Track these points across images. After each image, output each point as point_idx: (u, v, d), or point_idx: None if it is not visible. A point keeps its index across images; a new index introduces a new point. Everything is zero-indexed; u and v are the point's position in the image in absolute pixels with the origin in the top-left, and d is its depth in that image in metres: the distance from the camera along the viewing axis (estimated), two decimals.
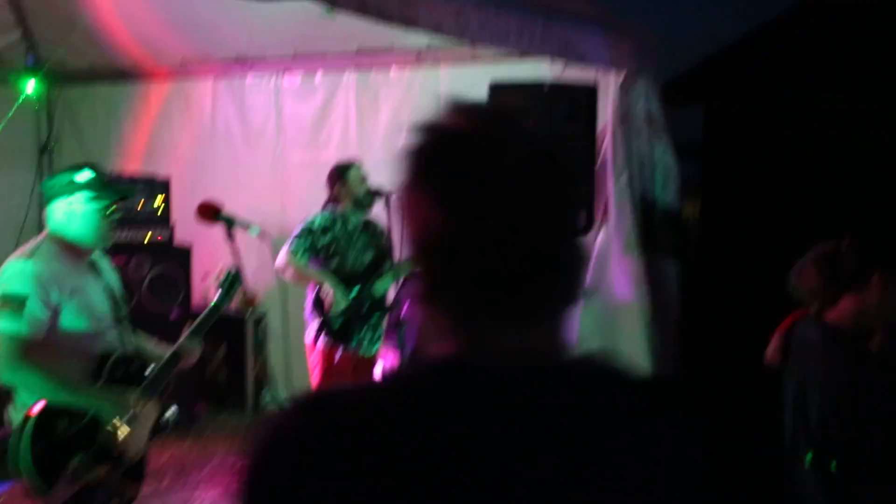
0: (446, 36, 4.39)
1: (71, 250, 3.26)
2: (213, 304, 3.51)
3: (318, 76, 6.60)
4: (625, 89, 5.10)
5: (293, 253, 5.17)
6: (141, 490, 3.35)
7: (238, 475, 1.15)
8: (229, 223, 3.28)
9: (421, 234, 1.15)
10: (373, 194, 5.25)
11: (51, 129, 7.87)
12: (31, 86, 7.49)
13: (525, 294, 1.09)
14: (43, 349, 3.09)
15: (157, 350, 3.52)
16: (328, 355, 5.33)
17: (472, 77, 5.82)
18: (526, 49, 4.72)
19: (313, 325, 5.33)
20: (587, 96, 5.13)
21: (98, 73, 7.51)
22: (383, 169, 5.67)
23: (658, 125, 5.17)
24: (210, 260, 6.94)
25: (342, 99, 6.52)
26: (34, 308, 3.05)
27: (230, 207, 6.91)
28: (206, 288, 6.96)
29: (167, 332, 4.04)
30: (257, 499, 1.15)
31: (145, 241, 6.70)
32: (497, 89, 5.08)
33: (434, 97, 6.11)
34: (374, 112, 6.39)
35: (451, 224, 1.11)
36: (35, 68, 7.51)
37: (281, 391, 6.83)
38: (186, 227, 7.01)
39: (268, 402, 6.91)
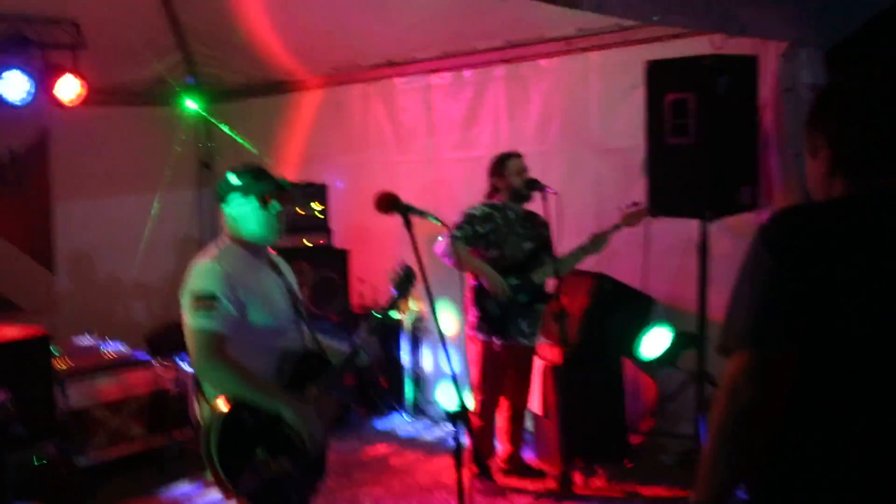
0: (609, 14, 4.24)
1: (250, 249, 3.34)
2: (390, 300, 3.48)
3: (467, 73, 6.56)
4: (787, 59, 4.83)
5: (456, 239, 5.14)
6: (322, 484, 3.35)
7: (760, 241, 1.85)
8: (407, 212, 3.24)
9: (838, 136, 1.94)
10: (531, 185, 5.17)
11: (210, 145, 8.15)
12: (191, 105, 7.80)
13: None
14: (232, 346, 3.14)
15: (334, 347, 3.53)
16: (488, 346, 5.26)
17: (622, 61, 5.67)
18: (688, 23, 4.53)
19: (473, 316, 5.27)
20: (748, 68, 4.88)
21: (253, 87, 7.73)
22: (536, 160, 5.59)
23: None
24: (366, 263, 7.02)
25: (492, 93, 6.45)
26: (223, 305, 3.13)
27: (383, 216, 7.02)
28: (362, 291, 7.05)
29: (329, 336, 4.07)
30: (789, 250, 1.81)
31: (306, 246, 6.83)
32: (655, 66, 4.91)
33: (584, 84, 6.00)
34: (524, 104, 6.29)
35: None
36: (195, 88, 7.82)
37: (436, 391, 6.82)
38: (344, 232, 7.12)
39: (426, 403, 6.91)
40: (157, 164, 7.74)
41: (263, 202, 3.29)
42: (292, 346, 3.35)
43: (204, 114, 7.92)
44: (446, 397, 6.80)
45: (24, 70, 6.20)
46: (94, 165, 7.37)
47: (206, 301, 3.11)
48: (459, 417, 3.21)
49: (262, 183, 3.32)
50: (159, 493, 5.55)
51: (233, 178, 3.33)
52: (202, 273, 3.20)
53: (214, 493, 5.47)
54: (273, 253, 3.51)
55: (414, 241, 3.19)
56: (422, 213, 3.30)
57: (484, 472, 5.34)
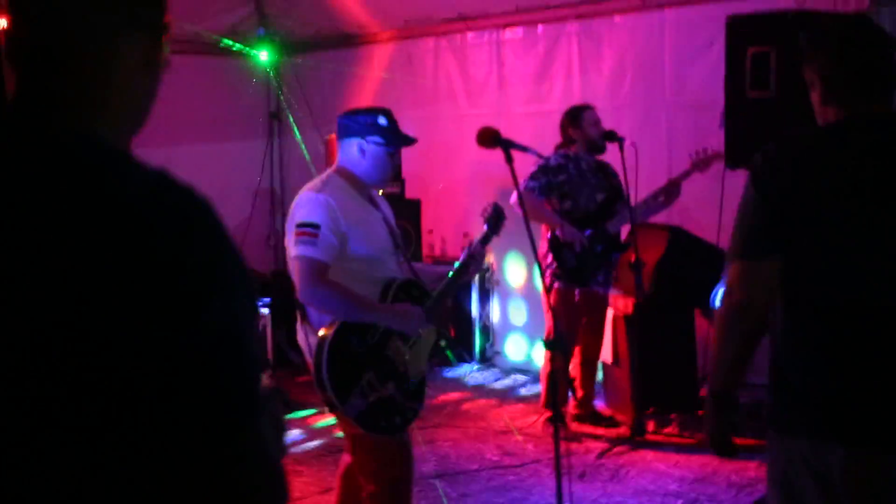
0: None
1: (356, 184, 3.43)
2: (482, 236, 3.59)
3: (540, 28, 6.65)
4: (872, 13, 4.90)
5: (530, 190, 5.25)
6: (421, 410, 3.46)
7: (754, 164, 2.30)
8: (507, 146, 3.35)
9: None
10: (607, 136, 5.27)
11: (280, 97, 8.30)
12: (262, 56, 7.96)
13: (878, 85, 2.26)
14: (336, 274, 3.24)
15: (433, 275, 3.66)
16: (564, 296, 5.39)
17: (697, 18, 5.74)
18: None
19: (549, 266, 5.40)
20: (834, 23, 4.94)
21: (324, 40, 7.85)
22: (607, 116, 5.69)
23: None
24: (435, 215, 7.18)
25: (564, 49, 6.54)
26: (327, 234, 3.21)
27: (456, 163, 7.13)
28: (432, 242, 7.21)
29: None
30: (764, 177, 2.26)
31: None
32: (736, 21, 4.98)
33: (659, 40, 6.08)
34: (596, 61, 6.38)
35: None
36: (266, 39, 7.96)
37: (505, 341, 6.99)
38: (415, 183, 7.26)
39: (494, 353, 7.09)
40: (229, 115, 7.92)
41: (393, 153, 3.41)
42: (392, 277, 3.43)
43: (270, 66, 8.07)
44: (515, 348, 6.98)
45: None
46: (167, 114, 7.44)
47: (309, 229, 3.20)
48: (556, 346, 3.33)
49: (402, 137, 3.43)
50: None
51: (381, 120, 3.40)
52: (306, 203, 3.29)
53: (290, 430, 5.75)
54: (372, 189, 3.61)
55: (514, 175, 3.30)
56: (523, 148, 3.39)
57: (557, 418, 5.50)
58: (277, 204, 8.47)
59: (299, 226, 3.24)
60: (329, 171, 3.48)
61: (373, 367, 3.23)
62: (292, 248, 3.25)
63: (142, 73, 1.24)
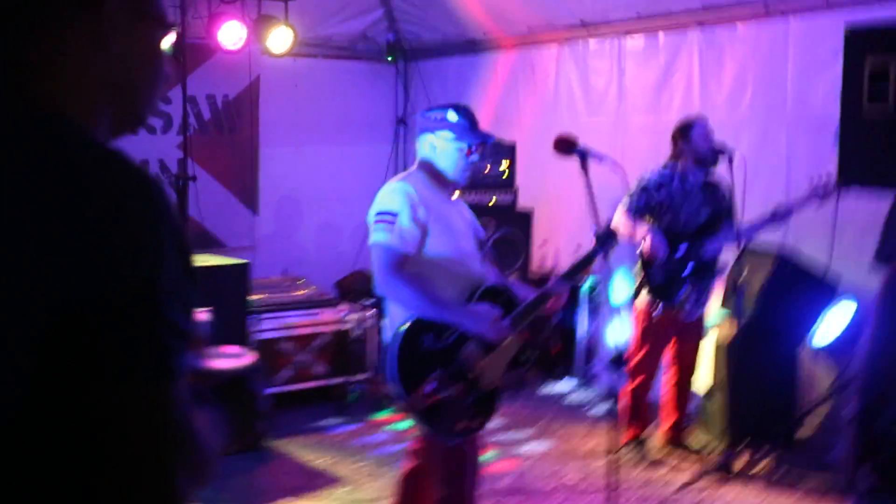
0: None
1: (437, 180, 3.37)
2: (588, 252, 3.48)
3: (661, 36, 6.45)
4: None
5: (628, 211, 5.12)
6: (487, 422, 3.36)
7: None
8: (583, 156, 3.27)
9: None
10: (717, 152, 5.03)
11: (407, 102, 8.40)
12: (390, 61, 8.09)
13: None
14: (415, 269, 3.19)
15: (521, 289, 3.53)
16: (647, 313, 5.21)
17: (823, 26, 5.41)
18: None
19: (637, 283, 5.24)
20: None
21: (450, 46, 7.89)
22: (727, 129, 5.44)
23: None
24: (549, 227, 7.07)
25: (685, 59, 6.31)
26: (406, 223, 3.15)
27: (571, 173, 7.03)
28: (544, 253, 7.11)
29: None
30: None
31: (490, 204, 6.95)
32: (854, 33, 4.68)
33: (782, 51, 5.77)
34: (717, 70, 6.11)
35: None
36: (394, 44, 8.08)
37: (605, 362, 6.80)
38: (529, 192, 7.19)
39: (596, 372, 6.91)
40: (356, 118, 8.09)
41: (468, 151, 3.34)
42: (475, 280, 3.35)
43: (398, 71, 8.17)
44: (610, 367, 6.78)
45: (239, 20, 6.59)
46: (297, 115, 7.77)
47: (389, 218, 3.16)
48: (618, 364, 3.21)
49: (475, 133, 3.36)
50: (331, 430, 5.88)
51: (452, 116, 3.36)
52: (388, 192, 3.26)
53: (381, 434, 5.81)
54: (454, 191, 3.51)
55: (589, 184, 3.21)
56: (600, 158, 3.29)
57: (637, 442, 5.32)
58: None
59: (377, 214, 3.22)
60: (412, 166, 3.47)
61: (442, 367, 3.15)
62: (371, 236, 3.21)
63: (97, 53, 1.23)
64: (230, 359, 5.14)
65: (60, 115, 1.18)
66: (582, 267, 3.47)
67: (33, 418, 1.07)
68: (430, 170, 3.37)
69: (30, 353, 1.05)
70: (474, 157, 3.37)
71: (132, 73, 1.27)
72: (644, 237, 5.11)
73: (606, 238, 3.43)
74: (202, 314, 5.30)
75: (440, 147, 3.34)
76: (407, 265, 3.15)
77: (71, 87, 1.21)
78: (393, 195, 3.22)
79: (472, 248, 3.40)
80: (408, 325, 3.14)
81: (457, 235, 3.33)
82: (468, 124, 3.36)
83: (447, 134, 3.33)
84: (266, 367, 5.87)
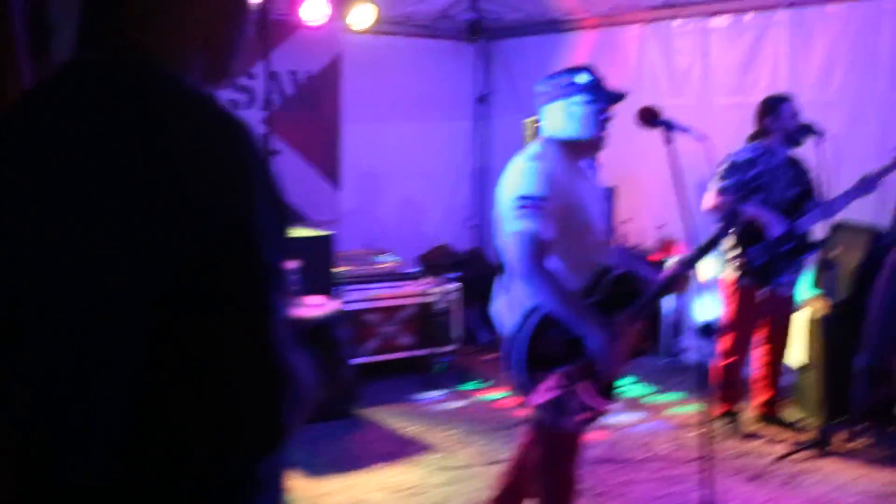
0: None
1: (568, 154, 3.19)
2: (714, 234, 3.46)
3: (748, 16, 6.45)
4: None
5: (722, 191, 5.14)
6: (608, 409, 3.33)
7: None
8: (668, 127, 3.26)
9: None
10: (805, 129, 5.06)
11: (487, 81, 8.47)
12: (471, 40, 8.16)
13: None
14: (552, 252, 3.09)
15: (645, 272, 3.44)
16: (745, 293, 5.23)
17: None
18: None
19: (733, 262, 5.26)
20: None
21: (532, 25, 7.93)
22: (816, 109, 5.45)
23: None
24: (630, 204, 7.12)
25: (772, 39, 6.30)
26: (548, 206, 3.01)
27: (653, 152, 7.05)
28: (626, 231, 7.16)
29: None
30: None
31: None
32: None
33: (874, 32, 5.76)
34: (805, 51, 6.11)
35: None
36: (476, 23, 8.15)
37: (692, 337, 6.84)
38: (611, 171, 7.18)
39: (682, 350, 6.96)
40: (437, 96, 8.18)
41: (602, 110, 3.18)
42: (607, 263, 3.25)
43: (478, 50, 8.24)
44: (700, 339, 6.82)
45: None
46: (377, 92, 7.86)
47: (529, 202, 3.01)
48: (708, 335, 3.18)
49: (607, 91, 3.20)
50: (419, 400, 6.04)
51: (583, 77, 3.19)
52: (523, 174, 3.09)
53: (469, 403, 5.94)
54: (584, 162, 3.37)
55: (674, 157, 3.17)
56: (684, 129, 3.23)
57: (730, 416, 5.39)
58: (479, 186, 8.67)
59: (520, 198, 3.04)
60: (539, 141, 3.26)
61: (569, 361, 3.10)
62: (511, 223, 3.05)
63: (194, 3, 1.29)
64: (314, 308, 5.23)
65: (156, 64, 1.24)
66: (707, 249, 3.40)
67: (147, 364, 1.13)
68: (559, 144, 3.19)
69: (144, 304, 1.11)
70: (608, 120, 3.21)
71: (223, 25, 1.33)
72: (750, 215, 5.08)
73: (732, 218, 3.41)
74: (291, 264, 5.44)
75: (575, 112, 3.15)
76: (546, 250, 3.03)
77: (168, 38, 1.27)
78: (529, 177, 3.06)
79: (602, 229, 3.26)
80: (539, 317, 3.08)
81: (589, 214, 3.18)
82: (600, 82, 3.21)
83: (581, 97, 3.15)
84: (353, 336, 6.02)
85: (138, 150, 1.12)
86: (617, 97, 3.22)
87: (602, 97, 3.18)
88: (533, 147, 3.23)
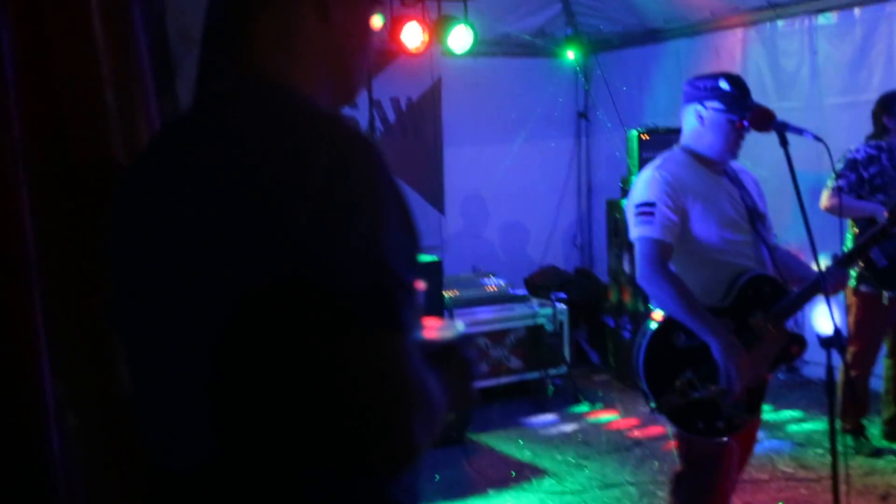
0: None
1: (700, 158, 3.21)
2: (867, 237, 3.35)
3: (857, 11, 6.18)
4: None
5: (839, 189, 4.92)
6: (753, 421, 3.24)
7: None
8: (782, 129, 3.14)
9: None
10: None
11: (587, 96, 8.38)
12: (570, 55, 8.08)
13: None
14: (677, 256, 3.12)
15: (797, 272, 3.32)
16: (870, 300, 4.98)
17: None
18: None
19: (856, 267, 4.99)
20: None
21: (630, 37, 7.81)
22: None
23: None
24: None
25: (885, 33, 6.01)
26: (664, 211, 3.07)
27: (762, 159, 6.85)
28: None
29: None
30: None
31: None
32: None
33: None
34: None
35: None
36: (574, 39, 8.07)
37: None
38: None
39: (803, 362, 6.67)
40: (538, 114, 8.12)
41: (739, 124, 3.13)
42: (744, 265, 3.16)
43: (578, 65, 8.16)
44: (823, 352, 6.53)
45: (420, 21, 6.69)
46: (478, 114, 7.87)
47: (648, 209, 3.08)
48: (833, 344, 3.06)
49: (745, 102, 3.14)
50: (531, 424, 5.95)
51: (723, 83, 3.16)
52: (642, 182, 3.17)
53: (581, 426, 5.84)
54: (737, 166, 3.34)
55: (789, 158, 3.02)
56: (800, 131, 3.11)
57: (856, 430, 5.12)
58: (584, 203, 8.56)
59: (636, 206, 3.14)
60: (674, 146, 3.32)
61: (694, 366, 3.05)
62: (632, 230, 3.16)
63: (320, 25, 1.30)
64: (440, 329, 5.23)
65: (287, 85, 1.25)
66: (860, 252, 3.33)
67: (273, 375, 1.11)
68: (692, 147, 3.21)
69: (274, 312, 1.09)
70: (744, 131, 3.15)
71: (349, 46, 1.33)
72: (873, 214, 4.80)
73: (893, 216, 3.30)
74: (420, 285, 5.46)
75: (708, 118, 3.15)
76: (668, 254, 3.08)
77: (296, 60, 1.27)
78: (647, 185, 3.14)
79: (744, 230, 3.18)
80: (660, 320, 3.08)
81: (723, 217, 3.14)
82: (740, 94, 3.15)
83: (716, 104, 3.13)
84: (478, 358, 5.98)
85: (286, 168, 1.12)
86: (756, 111, 3.10)
87: (736, 108, 3.13)
88: (665, 153, 3.28)
